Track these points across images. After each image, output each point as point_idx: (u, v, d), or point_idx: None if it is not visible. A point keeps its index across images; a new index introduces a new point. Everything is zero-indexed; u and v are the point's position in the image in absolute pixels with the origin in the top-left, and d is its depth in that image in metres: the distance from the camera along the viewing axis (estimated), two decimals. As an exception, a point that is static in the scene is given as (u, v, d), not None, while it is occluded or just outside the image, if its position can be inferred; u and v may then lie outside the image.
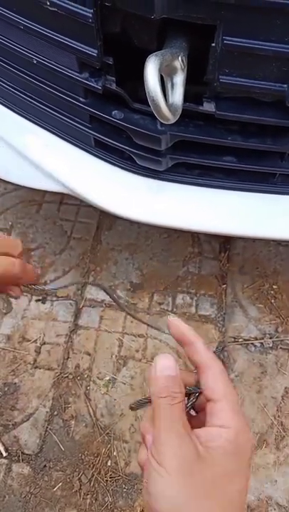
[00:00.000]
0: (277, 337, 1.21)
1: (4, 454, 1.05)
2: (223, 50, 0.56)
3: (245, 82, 0.59)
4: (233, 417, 0.39)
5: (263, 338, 1.21)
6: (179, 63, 0.57)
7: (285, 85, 0.58)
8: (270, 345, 1.19)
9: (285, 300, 1.26)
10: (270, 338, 1.21)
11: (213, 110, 0.66)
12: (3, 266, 0.54)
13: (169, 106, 0.56)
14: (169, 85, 0.58)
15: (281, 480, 1.03)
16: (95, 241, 1.39)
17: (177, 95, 0.58)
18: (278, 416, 1.10)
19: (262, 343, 1.20)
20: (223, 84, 0.60)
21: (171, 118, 0.55)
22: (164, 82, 0.58)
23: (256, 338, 1.21)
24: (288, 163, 0.75)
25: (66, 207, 1.46)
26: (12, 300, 1.27)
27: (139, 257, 1.35)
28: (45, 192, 1.49)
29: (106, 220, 1.41)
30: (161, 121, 0.55)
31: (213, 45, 0.56)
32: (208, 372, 0.41)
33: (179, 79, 0.58)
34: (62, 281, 1.31)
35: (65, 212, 1.45)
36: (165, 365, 0.41)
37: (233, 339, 1.21)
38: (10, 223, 1.42)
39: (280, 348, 1.19)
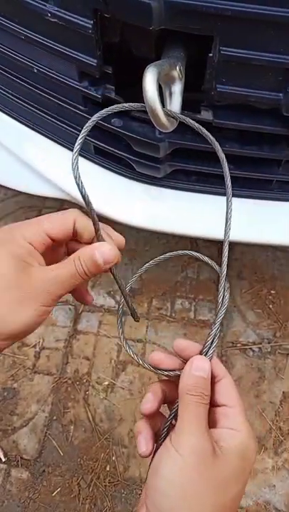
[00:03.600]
0: (275, 342, 1.21)
1: (3, 459, 1.06)
2: (220, 60, 0.57)
3: (241, 91, 0.60)
4: (244, 422, 0.41)
5: (261, 343, 1.21)
6: (176, 73, 0.58)
7: (281, 94, 0.59)
8: (269, 350, 1.20)
9: (283, 305, 1.27)
10: (268, 342, 1.21)
11: (211, 118, 0.67)
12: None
13: (167, 114, 0.57)
14: (167, 94, 0.59)
15: (279, 485, 1.03)
16: (94, 246, 1.40)
17: (175, 104, 0.59)
18: (276, 421, 1.11)
19: (260, 348, 1.20)
20: (220, 93, 0.61)
21: (169, 126, 0.56)
22: (162, 91, 0.59)
23: (254, 343, 1.21)
24: (285, 170, 0.76)
25: (66, 212, 1.47)
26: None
27: (138, 263, 1.35)
28: (45, 198, 1.50)
29: (105, 225, 1.42)
30: (160, 129, 0.56)
31: (211, 55, 0.57)
32: (224, 380, 0.43)
33: (177, 88, 0.59)
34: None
35: (64, 217, 1.46)
36: (200, 366, 0.42)
37: (231, 344, 1.21)
38: (10, 229, 1.43)
39: (278, 352, 1.20)
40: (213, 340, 0.44)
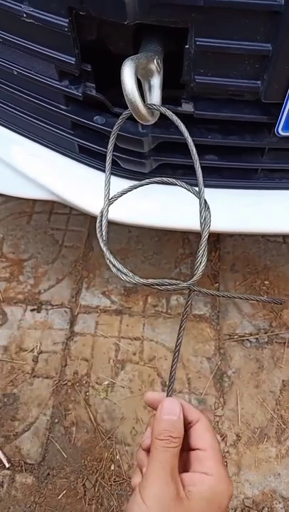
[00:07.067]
0: (271, 331, 1.22)
1: (7, 465, 1.05)
2: (196, 51, 0.57)
3: (220, 81, 0.61)
4: (216, 466, 0.42)
5: (258, 334, 1.22)
6: (154, 66, 0.58)
7: (259, 82, 0.60)
8: (266, 340, 1.21)
9: (277, 295, 1.28)
10: (265, 333, 1.22)
11: (192, 110, 0.67)
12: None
13: (147, 107, 0.57)
14: (146, 87, 0.60)
15: (284, 472, 1.04)
16: (86, 248, 1.40)
17: (155, 97, 0.60)
18: (277, 409, 1.11)
19: (257, 339, 1.21)
20: (199, 84, 0.62)
21: (150, 119, 0.57)
22: (142, 86, 0.59)
23: (251, 334, 1.22)
24: (268, 159, 0.77)
25: (56, 216, 1.47)
26: (7, 311, 1.28)
27: (131, 261, 1.36)
28: (34, 203, 1.50)
29: (96, 226, 1.42)
30: (141, 122, 0.57)
31: (187, 46, 0.58)
32: (198, 424, 0.44)
33: (156, 81, 0.60)
34: (56, 290, 1.32)
35: (55, 221, 1.46)
36: (169, 408, 0.44)
37: (228, 336, 1.22)
38: (1, 235, 1.43)
39: (275, 342, 1.20)
40: (172, 381, 0.46)
